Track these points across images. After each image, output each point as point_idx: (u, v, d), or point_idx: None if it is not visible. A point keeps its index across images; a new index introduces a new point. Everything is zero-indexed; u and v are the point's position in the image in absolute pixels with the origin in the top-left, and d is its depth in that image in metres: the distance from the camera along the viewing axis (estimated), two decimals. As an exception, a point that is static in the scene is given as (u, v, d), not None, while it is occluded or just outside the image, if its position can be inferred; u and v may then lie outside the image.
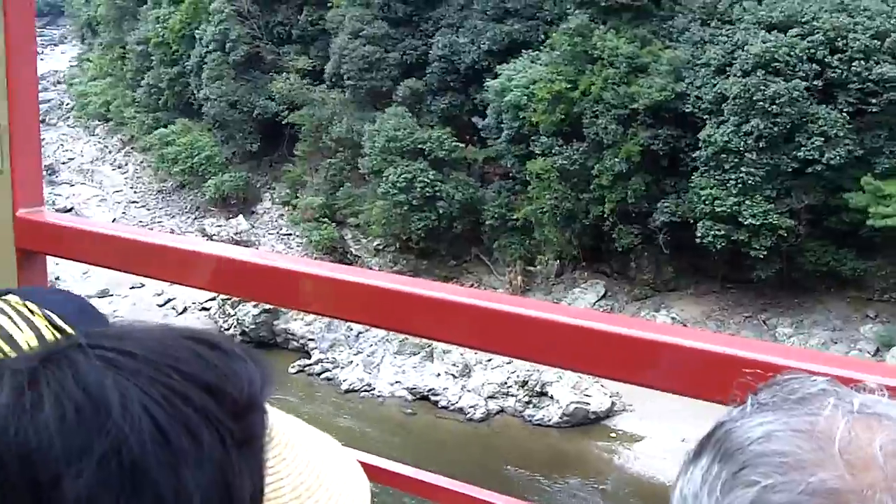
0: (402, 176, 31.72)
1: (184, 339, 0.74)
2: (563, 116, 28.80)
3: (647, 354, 1.66)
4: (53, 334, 1.33)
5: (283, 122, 37.73)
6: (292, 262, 2.68)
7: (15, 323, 1.36)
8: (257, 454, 0.73)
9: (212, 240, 32.10)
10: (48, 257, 2.30)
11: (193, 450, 0.65)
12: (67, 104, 58.70)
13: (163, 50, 44.71)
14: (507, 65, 31.35)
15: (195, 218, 40.02)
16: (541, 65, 30.45)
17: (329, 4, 37.46)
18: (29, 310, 1.38)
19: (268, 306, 29.64)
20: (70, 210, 40.80)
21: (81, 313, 1.46)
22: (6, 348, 1.23)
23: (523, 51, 31.69)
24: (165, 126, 42.68)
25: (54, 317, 1.40)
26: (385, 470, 2.05)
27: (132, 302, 33.64)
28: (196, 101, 42.44)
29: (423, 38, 35.13)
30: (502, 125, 30.51)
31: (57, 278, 33.17)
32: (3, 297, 1.40)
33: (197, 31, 42.07)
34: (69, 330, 1.37)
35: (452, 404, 26.45)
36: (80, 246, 2.28)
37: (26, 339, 1.29)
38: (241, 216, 38.01)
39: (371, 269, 28.74)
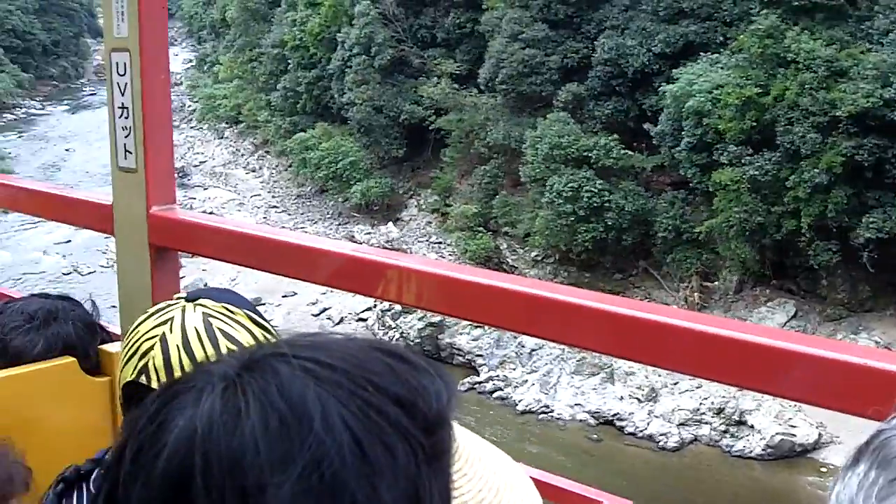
0: (568, 185, 30.66)
1: (374, 350, 0.74)
2: (753, 123, 27.28)
3: (789, 364, 1.62)
4: (262, 335, 1.46)
5: (428, 127, 37.10)
6: (422, 262, 2.40)
7: (229, 324, 1.45)
8: (445, 470, 0.73)
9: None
10: (180, 254, 2.41)
11: (389, 463, 0.67)
12: (189, 106, 59.63)
13: (300, 53, 44.60)
14: (682, 68, 29.99)
15: (340, 224, 39.73)
16: (723, 68, 29.00)
17: (483, 7, 36.65)
18: (230, 310, 1.48)
19: (433, 319, 29.03)
20: (210, 214, 40.88)
21: (255, 313, 1.54)
22: (232, 347, 1.39)
23: (701, 53, 30.28)
24: (304, 130, 42.57)
25: (253, 314, 1.51)
26: (550, 485, 2.05)
27: (286, 311, 33.41)
28: (336, 105, 42.18)
29: (585, 40, 33.98)
30: (681, 132, 29.14)
31: (205, 284, 33.16)
32: (199, 302, 1.48)
33: (338, 34, 41.84)
34: (270, 327, 1.50)
35: (640, 431, 25.26)
36: (210, 242, 2.33)
37: (246, 340, 1.43)
38: (390, 223, 37.53)
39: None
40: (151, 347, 1.46)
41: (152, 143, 2.25)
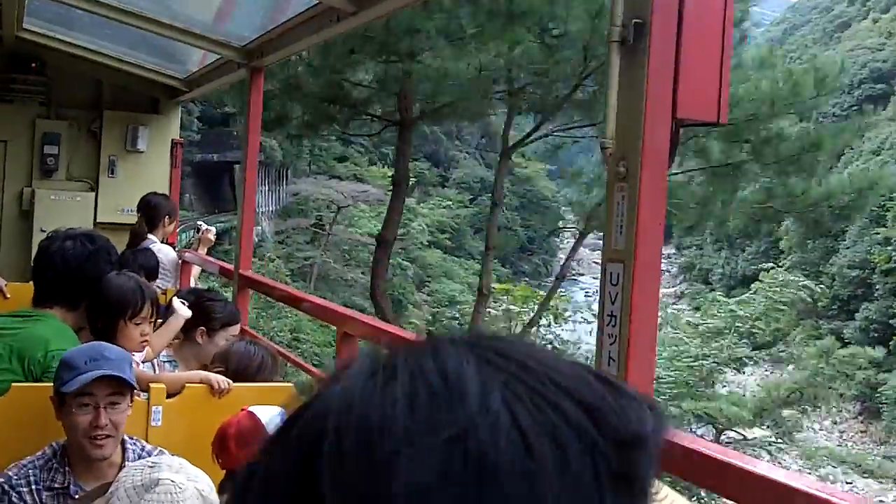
0: None
1: (577, 365, 0.65)
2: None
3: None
4: None
5: None
6: None
7: None
8: (637, 500, 0.60)
9: None
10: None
11: (557, 464, 0.57)
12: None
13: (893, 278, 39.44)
14: None
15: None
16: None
17: None
18: None
19: None
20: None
21: None
22: None
23: None
24: (888, 371, 37.60)
25: None
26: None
27: None
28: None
29: None
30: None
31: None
32: None
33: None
34: None
35: None
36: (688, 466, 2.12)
37: None
38: None
39: None
40: None
41: (635, 354, 2.41)
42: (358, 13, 4.08)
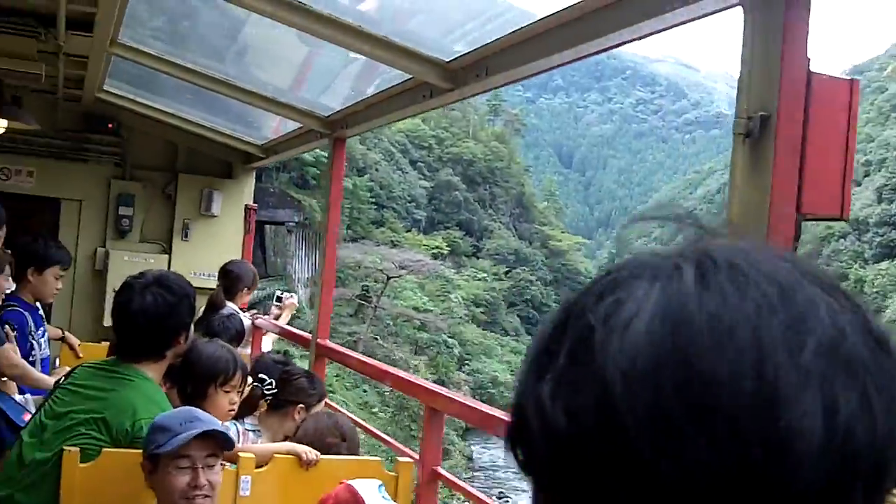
0: None
1: None
2: None
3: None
4: None
5: None
6: None
7: None
8: None
9: None
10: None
11: (876, 357, 0.65)
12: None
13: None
14: None
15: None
16: None
17: None
18: None
19: None
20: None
21: None
22: None
23: None
24: None
25: None
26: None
27: None
28: None
29: None
30: None
31: None
32: None
33: None
34: None
35: None
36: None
37: None
38: None
39: None
40: None
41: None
42: (454, 90, 4.16)
